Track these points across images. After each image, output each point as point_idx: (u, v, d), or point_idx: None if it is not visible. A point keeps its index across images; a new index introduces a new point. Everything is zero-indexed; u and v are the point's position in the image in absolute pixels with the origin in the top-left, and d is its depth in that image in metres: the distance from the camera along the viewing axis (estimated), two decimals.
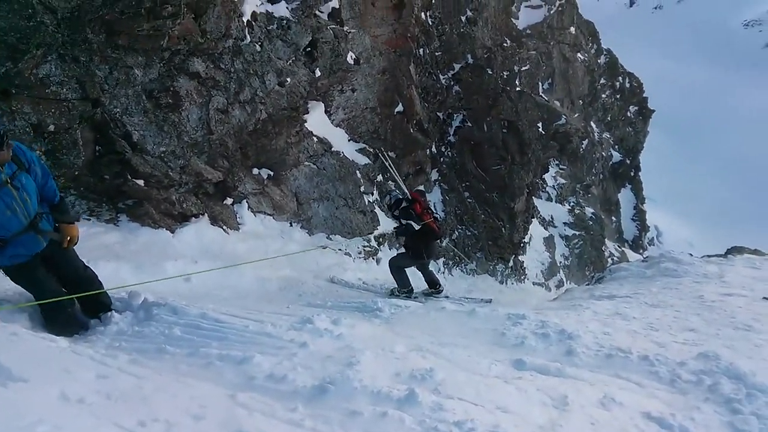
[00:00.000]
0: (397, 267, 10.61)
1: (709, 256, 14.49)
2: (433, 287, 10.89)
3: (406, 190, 11.61)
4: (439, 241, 11.15)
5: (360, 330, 5.65)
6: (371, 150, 15.30)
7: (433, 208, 11.43)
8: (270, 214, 11.69)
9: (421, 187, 17.06)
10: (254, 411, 3.59)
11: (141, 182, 8.82)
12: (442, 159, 20.38)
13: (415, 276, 10.74)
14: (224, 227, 10.31)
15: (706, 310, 8.28)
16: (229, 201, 10.68)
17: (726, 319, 7.66)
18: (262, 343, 4.82)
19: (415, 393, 3.90)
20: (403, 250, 11.02)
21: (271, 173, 11.66)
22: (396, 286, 10.63)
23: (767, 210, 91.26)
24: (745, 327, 7.21)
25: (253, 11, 10.52)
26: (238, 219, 10.78)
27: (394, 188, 15.60)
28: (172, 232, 9.23)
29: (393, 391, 3.94)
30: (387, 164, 14.10)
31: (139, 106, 8.57)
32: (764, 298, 9.12)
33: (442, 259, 17.32)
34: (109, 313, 5.49)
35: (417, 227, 10.25)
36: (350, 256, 12.62)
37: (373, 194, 15.21)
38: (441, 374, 4.41)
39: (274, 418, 3.55)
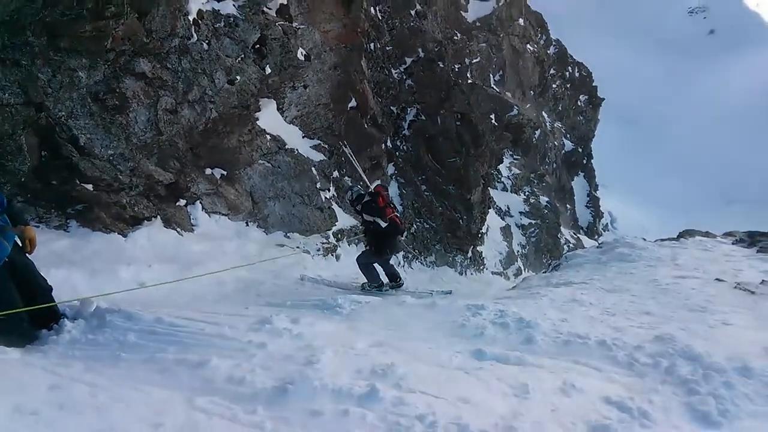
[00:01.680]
0: (364, 264, 10.88)
1: (662, 239, 14.75)
2: (394, 280, 11.09)
3: (368, 183, 11.61)
4: (400, 235, 11.22)
5: (320, 328, 5.60)
6: (326, 146, 15.22)
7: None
8: (225, 214, 11.52)
9: (378, 181, 17.06)
10: (213, 415, 3.52)
11: (90, 186, 8.61)
12: (397, 153, 20.38)
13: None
14: (178, 229, 10.13)
15: (660, 293, 8.43)
16: (182, 202, 10.49)
17: (680, 302, 7.79)
18: (220, 345, 4.73)
19: (376, 389, 3.87)
20: (366, 248, 11.17)
21: (225, 173, 11.48)
22: (366, 281, 10.91)
23: (717, 195, 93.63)
24: (700, 308, 7.34)
25: (199, 9, 10.36)
26: (192, 220, 10.59)
27: (353, 183, 15.54)
28: (125, 236, 9.03)
29: (354, 388, 3.91)
30: (350, 157, 14.13)
31: (84, 108, 8.37)
32: (717, 279, 9.32)
33: (401, 253, 17.31)
34: (61, 321, 5.35)
35: (384, 225, 10.37)
36: (309, 253, 12.52)
37: (329, 190, 15.13)
38: (402, 369, 4.39)
39: (233, 421, 3.49)
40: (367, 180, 12.16)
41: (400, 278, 11.27)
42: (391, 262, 11.61)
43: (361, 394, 3.84)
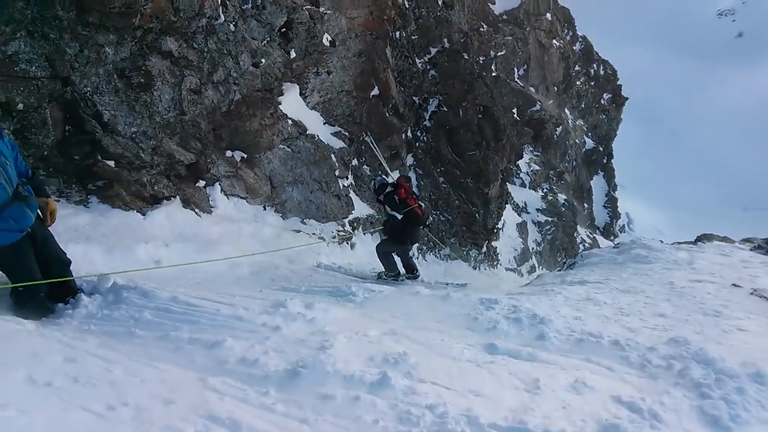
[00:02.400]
0: (383, 253, 10.87)
1: (679, 243, 14.64)
2: (411, 272, 11.10)
3: (390, 173, 11.65)
4: (422, 226, 11.27)
5: (333, 314, 5.61)
6: (347, 134, 15.22)
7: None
8: (243, 198, 11.57)
9: (396, 173, 17.07)
10: (225, 395, 3.55)
11: (111, 163, 8.67)
12: (417, 144, 20.34)
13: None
14: (196, 210, 10.18)
15: (676, 296, 8.36)
16: (201, 183, 10.54)
17: (696, 305, 7.73)
18: (234, 327, 4.76)
19: (387, 377, 3.88)
20: (386, 237, 11.21)
21: (245, 156, 11.53)
22: (383, 270, 10.88)
23: (736, 200, 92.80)
24: (714, 313, 7.29)
25: None
26: (210, 202, 10.65)
27: (378, 173, 15.57)
28: (143, 214, 9.09)
29: (366, 375, 3.92)
30: (373, 147, 14.16)
31: (110, 85, 8.42)
32: (733, 284, 9.25)
33: (416, 245, 17.33)
34: (78, 295, 5.40)
35: (399, 217, 10.47)
36: (324, 240, 12.56)
37: (347, 178, 15.15)
38: (414, 358, 4.39)
39: (245, 402, 3.51)
40: (389, 171, 12.17)
41: (417, 270, 11.29)
42: (410, 254, 11.63)
43: (373, 382, 3.85)
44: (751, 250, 13.47)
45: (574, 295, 8.13)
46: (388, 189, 10.74)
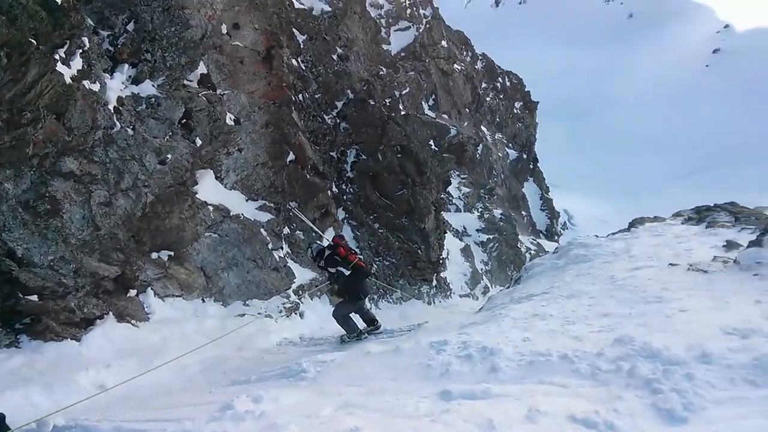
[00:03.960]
0: (341, 317, 10.96)
1: (614, 233, 14.97)
2: (372, 324, 11.25)
3: (323, 236, 11.76)
4: (368, 277, 11.39)
5: (284, 401, 5.57)
6: (272, 204, 15.18)
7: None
8: (179, 295, 11.39)
9: (330, 231, 17.09)
10: None
11: (35, 297, 8.49)
12: (344, 197, 20.41)
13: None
14: (132, 321, 9.98)
15: (618, 289, 8.55)
16: (132, 293, 10.35)
17: (638, 295, 7.92)
18: None
19: None
20: (339, 299, 11.37)
21: (172, 253, 11.37)
22: (345, 333, 10.96)
23: (667, 174, 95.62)
24: (656, 299, 7.48)
25: (119, 96, 10.34)
26: (146, 309, 10.45)
27: (311, 240, 15.58)
28: (78, 340, 8.89)
29: None
30: (300, 217, 14.23)
31: (16, 219, 8.29)
32: (670, 264, 9.50)
33: (367, 297, 17.28)
34: None
35: (347, 272, 10.60)
36: (272, 317, 12.42)
37: (282, 248, 15.06)
38: (367, 430, 4.37)
39: None
40: (322, 234, 12.25)
41: (377, 321, 11.40)
42: (366, 307, 11.70)
43: None
44: (682, 223, 13.89)
45: (521, 314, 8.26)
46: (327, 252, 10.84)
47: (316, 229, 13.00)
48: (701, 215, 13.84)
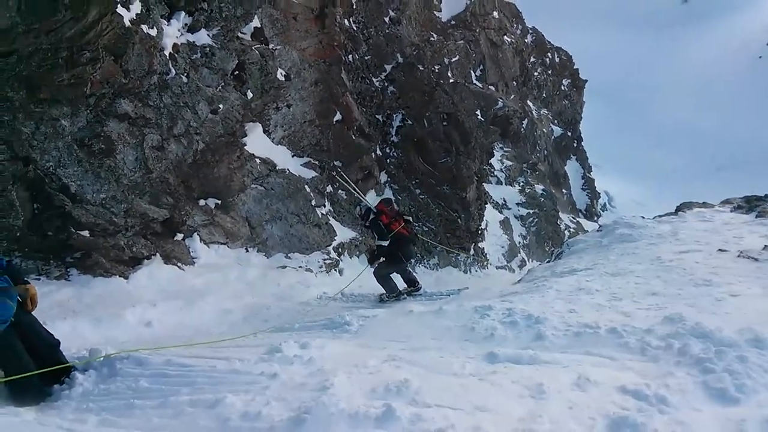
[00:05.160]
0: (381, 276, 11.08)
1: (660, 216, 14.72)
2: (412, 285, 11.33)
3: (370, 205, 11.77)
4: (412, 243, 11.42)
5: (330, 350, 5.58)
6: (317, 162, 15.23)
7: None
8: (224, 243, 11.53)
9: (372, 192, 17.10)
10: None
11: (86, 233, 8.64)
12: (388, 160, 20.37)
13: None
14: (179, 264, 10.14)
15: (665, 270, 8.40)
16: (179, 237, 10.51)
17: (685, 277, 7.77)
18: (233, 381, 4.71)
19: (392, 408, 3.84)
20: (383, 259, 11.25)
21: (219, 202, 11.50)
22: (384, 292, 11.09)
23: (709, 161, 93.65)
24: (705, 282, 7.33)
25: (174, 43, 10.35)
26: (191, 253, 10.61)
27: (351, 200, 15.66)
28: (126, 278, 9.06)
29: (370, 410, 3.88)
30: (345, 181, 14.32)
31: (72, 156, 8.40)
32: (719, 249, 9.31)
33: (412, 260, 17.32)
34: (72, 374, 5.34)
35: (385, 244, 10.69)
36: (312, 271, 12.52)
37: (325, 206, 15.14)
38: (416, 383, 4.37)
39: None
40: (364, 199, 12.29)
41: (418, 283, 11.46)
42: (408, 269, 11.78)
43: (378, 416, 3.81)
44: (731, 211, 13.59)
45: (566, 287, 8.14)
46: (371, 216, 10.87)
47: (359, 193, 13.02)
48: (751, 204, 13.52)
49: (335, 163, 16.01)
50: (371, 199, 15.99)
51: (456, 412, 3.91)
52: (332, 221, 14.95)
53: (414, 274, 11.64)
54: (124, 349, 5.66)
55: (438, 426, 3.65)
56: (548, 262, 13.87)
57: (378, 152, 19.53)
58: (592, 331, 5.67)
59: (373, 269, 11.30)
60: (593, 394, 4.22)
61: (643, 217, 14.45)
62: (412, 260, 11.41)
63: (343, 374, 4.64)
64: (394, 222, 10.89)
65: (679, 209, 14.97)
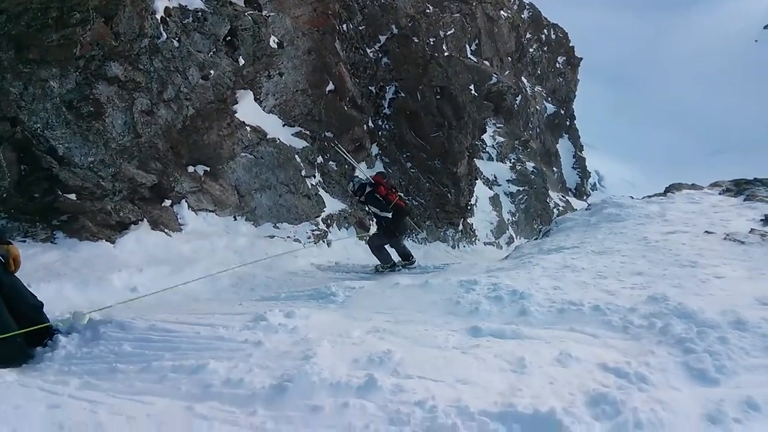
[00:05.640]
0: (375, 246, 11.27)
1: (649, 196, 14.78)
2: (407, 259, 11.41)
3: (367, 176, 11.78)
4: (408, 216, 11.47)
5: (315, 319, 5.58)
6: (308, 132, 15.15)
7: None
8: (212, 211, 11.50)
9: (363, 164, 17.06)
10: (214, 420, 3.51)
11: (73, 196, 8.58)
12: (380, 132, 20.32)
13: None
14: (166, 230, 10.10)
15: (651, 251, 8.45)
16: (167, 203, 10.45)
17: (671, 258, 7.82)
18: (216, 347, 4.71)
19: (374, 378, 3.85)
20: (375, 230, 11.47)
21: (208, 169, 11.42)
22: (379, 263, 11.23)
23: (704, 144, 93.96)
24: (690, 263, 7.37)
25: (166, 7, 10.22)
26: (179, 220, 10.57)
27: (342, 171, 15.62)
28: (113, 242, 9.01)
29: (352, 380, 3.90)
30: (345, 155, 14.30)
31: (60, 118, 8.30)
32: (706, 231, 9.37)
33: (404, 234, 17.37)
34: (55, 336, 5.32)
35: (389, 215, 10.77)
36: (300, 242, 12.51)
37: (315, 177, 15.10)
38: (399, 354, 4.38)
39: (235, 425, 3.48)
40: (361, 169, 12.27)
41: (412, 257, 11.54)
42: (402, 242, 11.86)
43: (360, 385, 3.83)
44: (719, 194, 13.65)
45: (552, 264, 8.17)
46: (368, 189, 10.86)
47: (356, 164, 13.01)
48: (740, 187, 13.58)
49: (326, 133, 15.95)
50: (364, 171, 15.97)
51: (437, 383, 3.93)
52: (322, 192, 14.92)
53: (407, 248, 11.67)
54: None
55: (419, 397, 3.67)
56: (536, 239, 13.92)
57: (370, 124, 19.45)
58: (575, 308, 5.69)
59: (368, 241, 11.39)
60: (574, 370, 4.24)
61: (632, 197, 14.51)
62: (404, 234, 11.43)
63: (326, 344, 4.65)
64: (391, 193, 10.94)
65: (668, 190, 15.04)
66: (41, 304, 5.37)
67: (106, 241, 8.96)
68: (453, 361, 4.42)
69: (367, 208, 11.36)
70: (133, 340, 5.01)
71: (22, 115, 7.85)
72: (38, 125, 8.03)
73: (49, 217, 8.53)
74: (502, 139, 31.77)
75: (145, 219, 9.77)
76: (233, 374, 4.11)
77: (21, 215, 8.30)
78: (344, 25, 18.52)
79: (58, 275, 7.65)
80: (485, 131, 30.14)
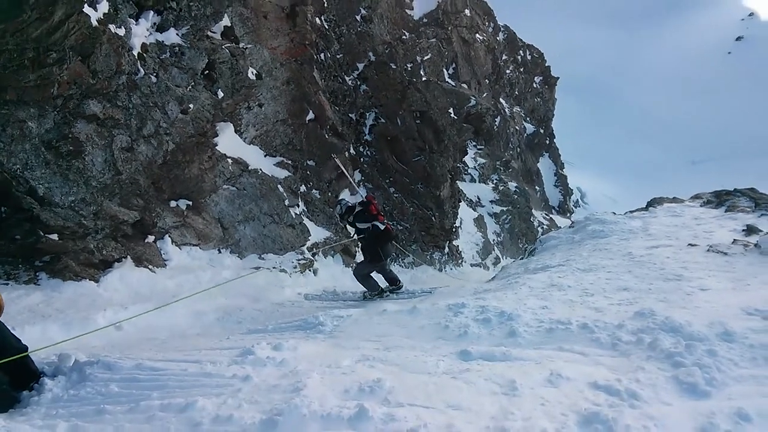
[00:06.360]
0: (362, 275, 11.07)
1: (631, 211, 14.91)
2: (394, 284, 11.28)
3: (360, 191, 11.77)
4: (394, 240, 11.42)
5: (304, 350, 5.56)
6: (289, 162, 15.16)
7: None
8: (196, 245, 11.43)
9: (345, 191, 17.08)
10: None
11: (55, 236, 8.51)
12: (362, 159, 20.39)
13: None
14: (150, 266, 10.03)
15: (636, 266, 8.53)
16: (150, 239, 10.38)
17: (656, 272, 7.90)
18: (204, 384, 4.66)
19: (364, 408, 3.82)
20: (361, 258, 11.37)
21: (190, 203, 11.38)
22: (366, 290, 11.10)
23: (683, 155, 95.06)
24: (676, 277, 7.46)
25: (143, 43, 10.23)
26: (163, 255, 10.49)
27: (325, 199, 15.61)
28: (96, 281, 8.94)
29: (343, 411, 3.86)
30: (342, 168, 14.29)
31: (39, 158, 8.26)
32: (689, 244, 9.45)
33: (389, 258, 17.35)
34: (42, 380, 5.24)
35: (382, 227, 10.64)
36: (286, 272, 12.46)
37: (298, 206, 15.07)
38: (389, 382, 4.36)
39: None
40: (357, 187, 12.27)
41: (400, 281, 11.44)
42: (389, 268, 11.76)
43: (351, 416, 3.79)
44: (701, 206, 13.81)
45: (538, 284, 8.21)
46: (357, 209, 10.83)
47: (353, 182, 13.01)
48: (721, 199, 13.75)
49: (308, 162, 15.96)
50: (348, 196, 16.02)
51: (429, 410, 3.91)
52: (306, 221, 14.89)
53: (393, 273, 11.60)
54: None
55: (410, 425, 3.64)
56: (521, 258, 13.98)
57: (352, 151, 19.51)
58: (563, 327, 5.72)
59: (353, 269, 11.32)
60: (565, 389, 4.24)
61: (614, 213, 14.63)
62: (389, 258, 11.39)
63: (316, 375, 4.62)
64: (380, 215, 10.91)
65: (650, 204, 15.20)
66: (26, 348, 5.30)
67: (90, 279, 8.89)
68: (443, 386, 4.41)
69: (355, 229, 11.25)
70: (120, 380, 4.95)
71: (1, 156, 7.80)
72: (17, 166, 7.98)
73: (32, 258, 8.46)
74: (483, 161, 31.97)
75: (128, 256, 9.70)
76: (222, 411, 4.06)
77: (3, 257, 8.24)
78: (322, 54, 18.63)
79: (42, 317, 7.57)
80: (466, 153, 30.33)
